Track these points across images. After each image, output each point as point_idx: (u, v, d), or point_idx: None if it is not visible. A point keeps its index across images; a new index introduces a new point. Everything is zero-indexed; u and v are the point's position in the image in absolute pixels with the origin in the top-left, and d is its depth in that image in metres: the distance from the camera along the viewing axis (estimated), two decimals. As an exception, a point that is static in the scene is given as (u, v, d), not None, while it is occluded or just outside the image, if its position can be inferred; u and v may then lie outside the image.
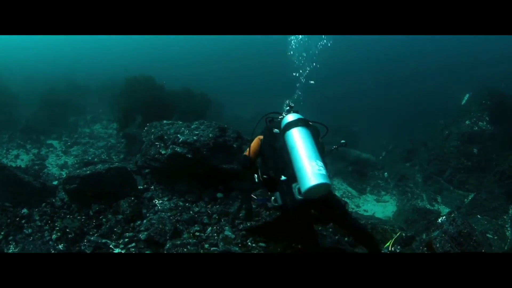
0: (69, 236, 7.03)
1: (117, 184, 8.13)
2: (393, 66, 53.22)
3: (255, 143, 6.40)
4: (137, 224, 7.53)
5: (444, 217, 6.85)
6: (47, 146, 16.87)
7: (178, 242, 6.95)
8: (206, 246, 6.98)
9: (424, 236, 7.23)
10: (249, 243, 7.00)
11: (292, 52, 8.32)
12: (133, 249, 6.89)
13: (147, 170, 9.12)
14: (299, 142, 5.42)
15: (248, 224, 7.32)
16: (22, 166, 13.56)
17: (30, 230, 7.24)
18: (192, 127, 8.86)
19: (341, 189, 16.44)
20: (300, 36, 7.77)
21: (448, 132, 17.83)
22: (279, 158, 5.69)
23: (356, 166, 17.57)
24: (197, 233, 7.37)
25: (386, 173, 18.17)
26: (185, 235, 7.29)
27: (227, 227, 7.44)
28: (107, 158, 14.86)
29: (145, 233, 7.14)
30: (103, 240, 7.08)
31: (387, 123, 29.52)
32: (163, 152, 8.45)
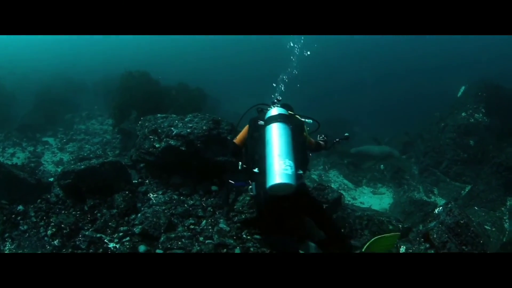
0: (64, 231, 6.98)
1: (112, 179, 8.09)
2: (389, 60, 53.17)
3: (243, 131, 6.56)
4: (131, 218, 7.50)
5: (441, 207, 6.82)
6: (43, 144, 16.90)
7: (173, 235, 6.94)
8: (201, 239, 6.97)
9: (421, 227, 7.21)
10: (244, 236, 7.01)
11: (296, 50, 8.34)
12: (127, 243, 6.83)
13: (142, 165, 9.09)
14: (274, 138, 5.54)
15: (243, 217, 7.32)
16: (19, 164, 13.51)
17: (25, 227, 7.20)
18: (186, 120, 8.83)
19: (337, 182, 16.44)
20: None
21: (444, 124, 17.81)
22: (256, 150, 5.81)
23: (383, 162, 17.52)
24: (191, 226, 7.35)
25: (382, 165, 18.15)
26: (180, 228, 7.27)
27: (221, 220, 7.43)
28: (102, 154, 14.86)
29: (140, 226, 7.10)
30: (98, 235, 7.02)
31: (383, 116, 29.54)
32: (157, 145, 8.42)
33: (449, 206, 6.65)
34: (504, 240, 9.72)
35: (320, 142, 7.12)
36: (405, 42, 51.04)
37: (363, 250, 6.15)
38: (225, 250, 6.65)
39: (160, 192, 8.37)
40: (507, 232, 10.41)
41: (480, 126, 16.62)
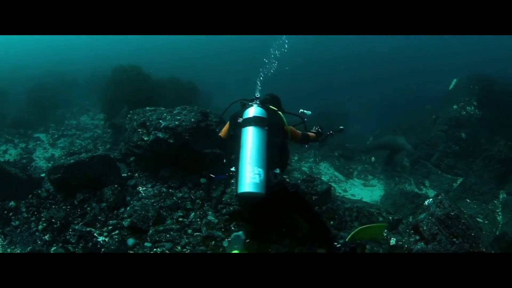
0: (55, 226, 7.03)
1: (101, 172, 8.10)
2: (383, 55, 53.29)
3: (226, 125, 6.65)
4: (120, 211, 7.53)
5: (431, 199, 6.78)
6: (35, 140, 16.84)
7: (161, 228, 7.00)
8: (189, 231, 7.02)
9: (410, 219, 7.22)
10: (232, 228, 7.01)
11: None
12: (116, 237, 6.89)
13: (132, 158, 9.06)
14: (247, 143, 5.60)
15: (231, 209, 7.31)
16: (11, 160, 13.61)
17: (17, 222, 7.29)
18: (174, 112, 8.81)
19: (328, 174, 16.40)
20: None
21: (435, 117, 17.82)
22: (233, 149, 5.88)
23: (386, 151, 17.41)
24: (180, 219, 7.37)
25: (373, 158, 18.14)
26: (169, 221, 7.30)
27: (210, 212, 7.44)
28: (93, 148, 14.85)
29: (128, 220, 7.15)
30: (88, 229, 7.07)
31: (374, 109, 29.57)
32: (145, 138, 8.39)
33: (439, 198, 6.57)
34: (497, 233, 9.71)
35: (312, 133, 7.12)
36: (397, 37, 51.14)
37: (347, 239, 6.15)
38: (213, 242, 6.66)
39: (149, 185, 8.37)
40: (500, 225, 10.40)
41: (472, 119, 16.63)
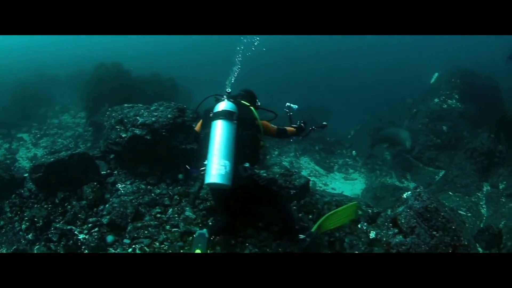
0: (37, 225, 7.10)
1: (80, 170, 8.12)
2: (364, 48, 53.40)
3: (201, 120, 6.63)
4: (100, 209, 7.56)
5: (409, 192, 6.81)
6: (18, 140, 16.87)
7: (139, 225, 7.07)
8: (167, 227, 7.07)
9: (389, 212, 7.21)
10: (209, 223, 7.07)
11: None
12: (96, 234, 6.94)
13: (112, 156, 9.04)
14: (215, 136, 5.64)
15: (208, 204, 7.39)
16: (-5, 161, 13.54)
17: (2, 222, 7.38)
18: (151, 108, 8.81)
19: (308, 168, 16.47)
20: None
21: (416, 110, 17.92)
22: (205, 143, 5.84)
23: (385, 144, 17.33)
24: (158, 215, 7.42)
25: (354, 152, 18.20)
26: (147, 218, 7.34)
27: (188, 208, 7.50)
28: (74, 147, 14.84)
29: (107, 217, 7.20)
30: (68, 227, 7.13)
31: (356, 103, 29.61)
32: (123, 135, 8.37)
33: (418, 190, 6.64)
34: (482, 225, 9.71)
35: (292, 128, 7.05)
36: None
37: (312, 229, 6.18)
38: (191, 238, 6.69)
39: (128, 182, 8.37)
40: (484, 218, 10.41)
41: (454, 112, 16.76)
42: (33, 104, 20.58)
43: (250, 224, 6.71)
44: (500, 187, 11.54)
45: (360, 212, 7.85)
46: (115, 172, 8.73)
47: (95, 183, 7.99)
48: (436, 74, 19.83)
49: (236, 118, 5.79)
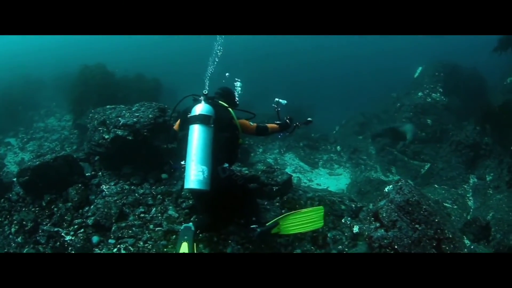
0: (26, 228, 7.19)
1: (65, 172, 8.17)
2: (348, 44, 53.53)
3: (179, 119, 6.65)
4: (85, 210, 7.65)
5: (391, 186, 6.84)
6: (5, 145, 16.89)
7: (123, 225, 7.18)
8: (151, 226, 7.19)
9: (371, 206, 7.26)
10: (193, 220, 7.11)
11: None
12: (81, 235, 7.07)
13: (97, 158, 9.07)
14: (193, 141, 5.69)
15: (191, 202, 7.50)
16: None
17: None
18: (133, 109, 8.86)
19: (293, 165, 16.52)
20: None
21: (400, 104, 17.99)
22: (183, 144, 5.92)
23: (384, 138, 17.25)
24: (142, 215, 7.50)
25: (338, 147, 18.24)
26: (131, 217, 7.43)
27: (170, 207, 7.60)
28: (60, 150, 14.81)
29: (92, 218, 7.33)
30: (55, 229, 7.25)
31: (340, 98, 29.69)
32: (106, 136, 8.39)
33: (399, 184, 6.67)
34: (468, 217, 9.72)
35: (274, 125, 7.11)
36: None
37: (268, 224, 6.36)
38: (174, 236, 6.80)
39: (112, 183, 8.41)
40: (471, 210, 10.44)
41: (438, 105, 16.86)
42: (19, 108, 20.53)
43: (231, 221, 6.78)
44: (488, 178, 11.59)
45: (343, 207, 7.91)
46: (100, 173, 8.77)
47: (79, 185, 8.04)
48: (420, 68, 19.92)
49: (212, 121, 5.84)
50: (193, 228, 6.07)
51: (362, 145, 17.72)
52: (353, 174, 15.51)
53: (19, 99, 21.44)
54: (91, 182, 8.47)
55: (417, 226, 6.01)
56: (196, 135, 5.68)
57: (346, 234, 7.14)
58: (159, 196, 7.96)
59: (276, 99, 7.13)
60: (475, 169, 12.56)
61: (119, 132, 8.17)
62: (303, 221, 6.56)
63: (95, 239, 6.97)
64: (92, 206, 7.64)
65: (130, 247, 6.74)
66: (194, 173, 5.48)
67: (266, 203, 7.78)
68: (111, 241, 6.91)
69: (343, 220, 7.57)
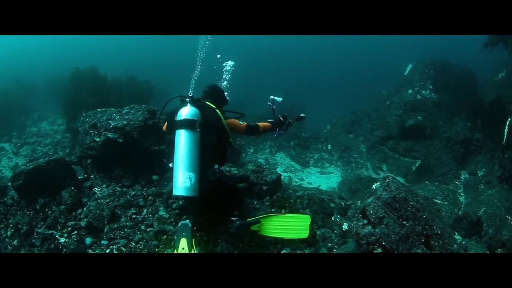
0: (21, 231, 7.31)
1: (58, 176, 8.25)
2: (337, 42, 53.50)
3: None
4: (78, 212, 7.75)
5: (378, 183, 6.84)
6: (0, 150, 16.79)
7: (115, 226, 7.29)
8: (142, 227, 7.30)
9: (359, 204, 7.30)
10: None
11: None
12: (75, 237, 7.17)
13: (89, 161, 9.14)
14: (180, 147, 5.75)
15: (181, 203, 7.60)
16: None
17: None
18: (123, 112, 8.96)
19: (284, 164, 16.53)
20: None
21: (390, 102, 18.02)
22: (171, 147, 5.99)
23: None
24: (133, 216, 7.61)
25: (329, 146, 18.29)
26: (123, 219, 7.53)
27: (161, 208, 7.72)
28: (53, 154, 14.87)
29: (85, 220, 7.42)
30: (50, 231, 7.35)
31: (331, 97, 29.73)
32: (97, 139, 8.50)
33: (387, 181, 6.63)
34: (460, 213, 9.70)
35: (266, 123, 7.09)
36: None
37: (248, 219, 6.49)
38: (165, 236, 6.93)
39: (104, 186, 8.51)
40: (462, 206, 10.40)
41: (428, 102, 16.84)
42: (12, 113, 20.54)
43: (221, 221, 6.81)
44: (479, 174, 11.55)
45: (332, 205, 7.99)
46: (92, 176, 8.84)
47: (72, 188, 8.14)
48: (410, 66, 19.97)
49: (198, 125, 5.85)
50: (190, 225, 6.14)
51: (353, 144, 17.73)
52: (344, 172, 15.52)
53: (13, 103, 21.44)
54: (84, 185, 8.55)
55: (404, 222, 5.98)
56: (182, 142, 5.72)
57: (335, 231, 7.22)
58: (150, 197, 8.07)
59: (272, 96, 7.13)
60: (467, 165, 12.44)
61: (110, 135, 8.28)
62: (287, 226, 6.71)
63: (88, 240, 7.06)
64: (85, 209, 7.72)
65: (122, 247, 6.84)
66: (181, 180, 5.58)
67: (255, 202, 7.87)
68: (104, 242, 7.01)
69: (332, 218, 7.65)
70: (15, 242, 7.15)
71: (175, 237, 6.18)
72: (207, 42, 7.48)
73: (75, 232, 7.29)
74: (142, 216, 7.59)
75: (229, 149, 6.64)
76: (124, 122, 8.44)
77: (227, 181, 6.23)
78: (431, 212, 6.59)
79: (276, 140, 18.12)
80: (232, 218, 6.39)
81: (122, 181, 8.56)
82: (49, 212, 7.78)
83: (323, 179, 14.87)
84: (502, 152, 9.85)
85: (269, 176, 8.20)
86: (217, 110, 6.25)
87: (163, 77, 26.39)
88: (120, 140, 8.28)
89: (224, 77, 7.29)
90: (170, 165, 5.92)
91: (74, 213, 7.75)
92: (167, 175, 8.42)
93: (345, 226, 7.25)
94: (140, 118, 8.57)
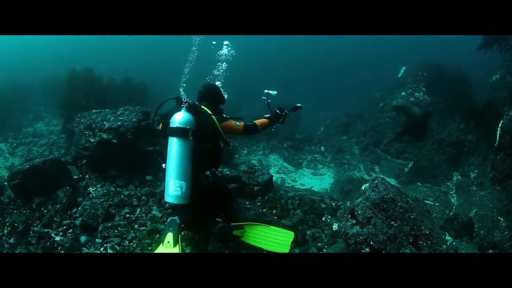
0: (18, 230, 7.43)
1: (54, 175, 8.38)
2: (331, 45, 53.51)
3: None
4: (73, 211, 7.87)
5: (367, 184, 6.89)
6: (-4, 150, 16.87)
7: (109, 225, 7.43)
8: (136, 226, 7.43)
9: (348, 204, 7.38)
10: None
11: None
12: (70, 235, 7.31)
13: (84, 161, 9.24)
14: (172, 156, 5.72)
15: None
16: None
17: None
18: (117, 113, 9.12)
19: (277, 165, 16.56)
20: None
21: (383, 104, 18.09)
22: (166, 147, 5.94)
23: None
24: (127, 215, 7.75)
25: (322, 147, 18.35)
26: (117, 218, 7.68)
27: (154, 207, 7.86)
28: (48, 154, 14.91)
29: (80, 219, 7.56)
30: (45, 230, 7.49)
31: (325, 99, 29.78)
32: (92, 140, 8.62)
33: (375, 182, 6.71)
34: (451, 214, 9.67)
35: (263, 120, 6.81)
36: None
37: (232, 224, 6.57)
38: (157, 235, 7.02)
39: (99, 185, 8.63)
40: (454, 207, 10.42)
41: (421, 104, 16.83)
42: (8, 113, 20.57)
43: (212, 222, 6.86)
44: (472, 176, 11.59)
45: (323, 206, 8.12)
46: (87, 176, 8.95)
47: (68, 188, 8.26)
48: (404, 68, 20.06)
49: (192, 134, 5.75)
50: (178, 221, 6.17)
51: (346, 145, 17.82)
52: (337, 174, 15.55)
53: (9, 104, 21.47)
54: (79, 184, 8.69)
55: (392, 222, 6.02)
56: (174, 150, 5.68)
57: (325, 232, 7.35)
58: (143, 197, 8.21)
59: (266, 90, 7.00)
60: (459, 167, 12.51)
61: (104, 136, 8.42)
62: (269, 238, 6.68)
63: (83, 239, 7.21)
64: (79, 208, 7.86)
65: (116, 246, 6.97)
66: (173, 188, 5.62)
67: (247, 202, 7.96)
68: (98, 240, 7.15)
69: (323, 218, 7.79)
70: (11, 240, 7.24)
71: (163, 232, 6.26)
72: (197, 42, 7.47)
73: (70, 230, 7.41)
74: (135, 216, 7.73)
75: (227, 148, 6.63)
76: (119, 123, 8.60)
77: (220, 184, 6.30)
78: (420, 213, 6.62)
79: (270, 142, 18.19)
80: (217, 219, 6.40)
81: (116, 181, 8.70)
82: (45, 211, 7.90)
83: (315, 180, 14.86)
84: (494, 154, 9.88)
85: (260, 177, 8.33)
86: (213, 117, 6.06)
87: (158, 78, 26.42)
88: (115, 141, 8.44)
89: (220, 64, 7.26)
90: (163, 165, 5.93)
91: (69, 212, 7.86)
92: (160, 175, 8.54)
93: (335, 226, 7.37)
94: (134, 119, 8.74)
